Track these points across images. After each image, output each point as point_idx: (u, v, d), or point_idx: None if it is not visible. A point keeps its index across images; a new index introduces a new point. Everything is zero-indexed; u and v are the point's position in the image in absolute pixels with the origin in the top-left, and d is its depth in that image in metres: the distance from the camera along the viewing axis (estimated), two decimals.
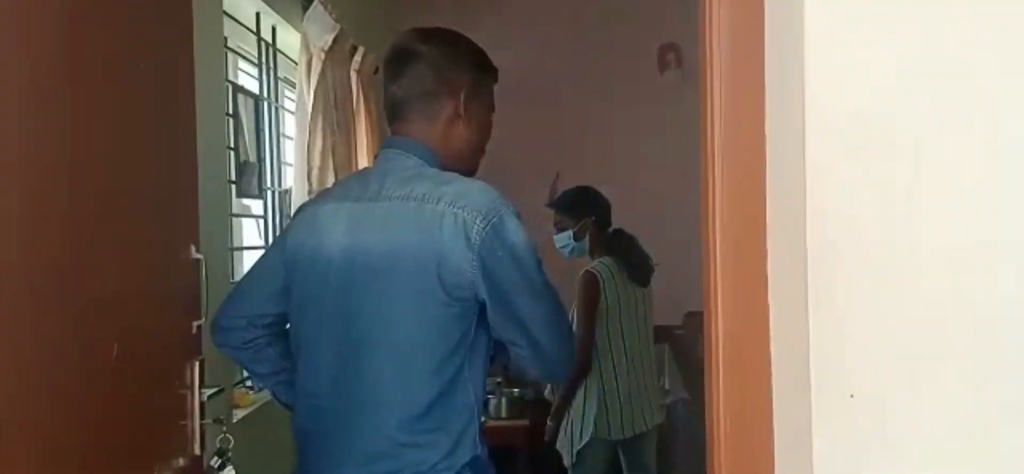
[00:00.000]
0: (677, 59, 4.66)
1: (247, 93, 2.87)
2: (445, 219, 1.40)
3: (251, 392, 2.64)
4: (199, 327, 1.82)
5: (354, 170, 3.44)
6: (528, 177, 4.13)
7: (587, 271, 2.99)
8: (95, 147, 1.40)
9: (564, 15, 4.55)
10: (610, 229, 3.10)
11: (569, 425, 2.98)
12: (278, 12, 3.05)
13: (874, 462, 0.64)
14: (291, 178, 3.16)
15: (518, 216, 1.44)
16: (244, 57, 2.94)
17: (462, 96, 1.54)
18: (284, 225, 3.08)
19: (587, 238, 3.04)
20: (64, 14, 1.29)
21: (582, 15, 4.55)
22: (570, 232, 3.02)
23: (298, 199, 3.03)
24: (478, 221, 1.39)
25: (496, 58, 1.65)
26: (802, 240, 0.67)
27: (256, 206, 2.94)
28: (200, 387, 1.76)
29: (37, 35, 1.21)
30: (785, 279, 0.71)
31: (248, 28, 2.90)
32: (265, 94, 3.02)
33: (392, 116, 1.58)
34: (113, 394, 1.46)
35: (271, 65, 3.09)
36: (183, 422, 1.73)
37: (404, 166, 1.52)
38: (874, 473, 0.65)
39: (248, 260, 2.88)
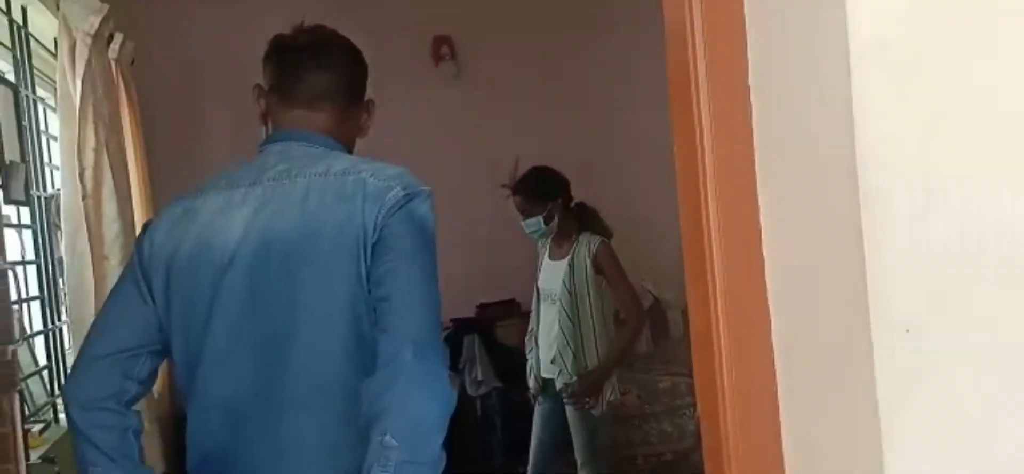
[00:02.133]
0: (451, 51, 4.72)
1: (6, 83, 2.45)
2: (367, 186, 1.35)
3: (37, 432, 2.27)
4: (14, 352, 1.55)
5: (129, 168, 3.09)
6: None
7: (602, 242, 3.05)
8: None
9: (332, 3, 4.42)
10: (573, 204, 3.15)
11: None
12: None
13: (933, 395, 0.71)
14: (58, 180, 2.75)
15: (432, 202, 1.40)
16: None
17: (366, 109, 1.56)
18: (52, 234, 2.69)
19: (555, 220, 3.07)
20: None
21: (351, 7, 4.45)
22: (540, 218, 3.03)
23: (68, 203, 2.65)
24: (396, 188, 1.35)
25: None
26: (847, 178, 0.72)
27: (22, 214, 2.52)
28: (23, 423, 1.50)
29: None
30: (832, 219, 0.76)
31: None
32: (22, 85, 2.60)
33: (298, 103, 1.48)
34: None
35: (26, 52, 2.66)
36: (6, 465, 1.46)
37: (311, 152, 1.44)
38: (933, 406, 0.72)
39: (26, 277, 2.47)
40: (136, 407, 1.44)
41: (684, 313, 4.61)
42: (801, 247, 0.83)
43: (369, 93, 1.57)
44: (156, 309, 1.41)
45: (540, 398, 3.23)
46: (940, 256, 0.71)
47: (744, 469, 0.95)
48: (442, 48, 4.70)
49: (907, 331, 0.71)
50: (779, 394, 0.91)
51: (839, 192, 0.74)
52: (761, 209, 0.91)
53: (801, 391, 0.89)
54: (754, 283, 0.92)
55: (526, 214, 3.09)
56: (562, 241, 3.16)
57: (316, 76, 1.48)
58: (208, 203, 1.41)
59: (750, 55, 0.92)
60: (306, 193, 1.36)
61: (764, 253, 0.91)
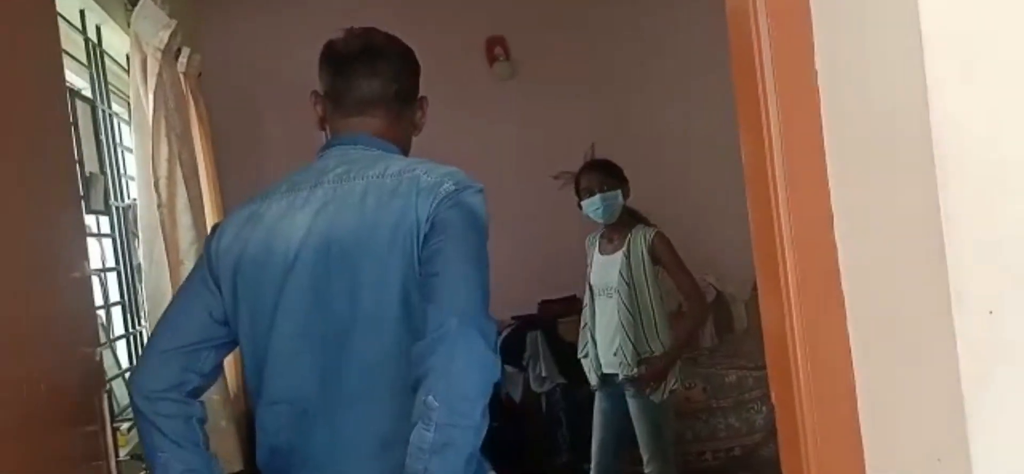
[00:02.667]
0: (505, 52, 4.74)
1: (83, 98, 2.56)
2: (420, 182, 1.38)
3: (125, 430, 2.37)
4: (101, 355, 1.62)
5: (201, 177, 3.19)
6: None
7: (657, 232, 3.08)
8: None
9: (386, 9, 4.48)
10: None
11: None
12: (104, 9, 2.74)
13: (1018, 376, 0.70)
14: (134, 191, 2.85)
15: (484, 196, 1.43)
16: (71, 58, 2.62)
17: (420, 108, 1.59)
18: (130, 242, 2.79)
19: (624, 202, 3.10)
20: None
21: (405, 10, 4.51)
22: (619, 191, 3.06)
23: (145, 212, 2.75)
24: (448, 182, 1.38)
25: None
26: (922, 159, 0.71)
27: (102, 224, 2.63)
28: (112, 421, 1.56)
29: None
30: (908, 201, 0.76)
31: (74, 26, 2.59)
32: (99, 100, 2.71)
33: (353, 110, 1.52)
34: (36, 434, 1.27)
35: (101, 69, 2.77)
36: (97, 462, 1.52)
37: (368, 155, 1.47)
38: (1019, 387, 0.71)
39: (107, 284, 2.58)
40: (203, 398, 1.50)
41: (748, 306, 4.55)
42: (876, 231, 0.82)
43: (423, 92, 1.59)
44: (223, 307, 1.46)
45: (599, 395, 3.23)
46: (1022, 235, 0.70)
47: (822, 456, 0.94)
48: (496, 49, 4.73)
49: (990, 312, 0.70)
50: (856, 379, 0.90)
51: (915, 173, 0.73)
52: (832, 194, 0.90)
53: (879, 376, 0.88)
54: (827, 270, 0.91)
55: (605, 187, 3.06)
56: (614, 235, 3.16)
57: (368, 82, 1.51)
58: (272, 207, 1.46)
59: (816, 38, 0.91)
60: (364, 194, 1.40)
61: (836, 239, 0.90)
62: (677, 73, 4.70)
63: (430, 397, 1.21)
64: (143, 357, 1.53)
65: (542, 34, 4.70)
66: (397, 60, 1.55)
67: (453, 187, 1.37)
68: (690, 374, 4.00)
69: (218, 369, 1.52)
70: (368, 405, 1.38)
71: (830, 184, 0.90)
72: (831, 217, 0.90)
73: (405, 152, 1.56)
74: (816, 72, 0.91)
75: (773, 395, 1.05)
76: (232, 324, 1.46)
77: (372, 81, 1.51)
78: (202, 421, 1.49)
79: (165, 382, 1.44)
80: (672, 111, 4.74)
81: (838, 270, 0.90)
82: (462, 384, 1.23)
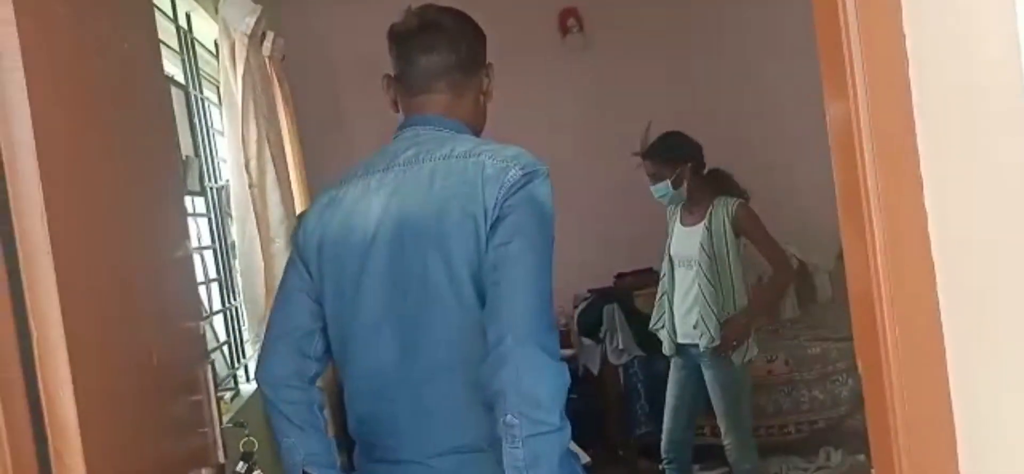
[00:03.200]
0: (578, 23, 4.72)
1: (177, 84, 2.68)
2: (486, 169, 1.40)
3: (228, 399, 2.50)
4: (203, 328, 1.72)
5: (288, 158, 3.30)
6: None
7: (740, 203, 3.05)
8: (113, 161, 1.33)
9: None
10: (706, 170, 3.16)
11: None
12: None
13: None
14: (226, 173, 2.98)
15: (550, 184, 1.43)
16: (165, 46, 2.74)
17: (484, 77, 1.58)
18: (224, 222, 2.92)
19: (685, 185, 3.07)
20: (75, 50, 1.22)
21: None
22: (668, 182, 3.05)
23: (237, 192, 2.87)
24: (514, 169, 1.39)
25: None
26: (1017, 122, 0.70)
27: (198, 205, 2.76)
28: (215, 391, 1.66)
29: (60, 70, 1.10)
30: (1002, 165, 0.75)
31: (166, 15, 2.71)
32: (191, 86, 2.83)
33: (418, 88, 1.55)
34: (148, 403, 1.36)
35: (192, 55, 2.89)
36: (203, 429, 1.62)
37: (437, 136, 1.51)
38: None
39: (204, 262, 2.71)
40: (318, 384, 1.58)
41: (832, 275, 4.45)
42: (968, 196, 0.81)
43: (494, 63, 1.58)
44: (317, 291, 1.54)
45: (674, 364, 3.23)
46: None
47: (911, 425, 0.93)
48: (569, 20, 4.71)
49: None
50: (946, 346, 0.90)
51: (1008, 136, 0.72)
52: (922, 160, 0.89)
53: (971, 342, 0.87)
54: (917, 236, 0.90)
55: (655, 178, 3.08)
56: (695, 206, 3.13)
57: (426, 59, 1.53)
58: (349, 191, 1.51)
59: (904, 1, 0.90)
60: (432, 176, 1.43)
61: (926, 204, 0.89)
62: (755, 41, 4.61)
63: (508, 416, 1.27)
64: (263, 348, 1.62)
65: (616, 5, 4.66)
66: (453, 30, 1.54)
67: (520, 174, 1.38)
68: (772, 346, 3.95)
69: (329, 352, 1.58)
70: (445, 377, 1.43)
71: (919, 148, 0.89)
72: (921, 182, 0.89)
73: (476, 124, 1.57)
74: (904, 33, 0.90)
75: (860, 363, 1.04)
76: (321, 303, 1.53)
77: (430, 56, 1.53)
78: (322, 407, 1.58)
79: (285, 370, 1.54)
80: (750, 80, 4.66)
81: (928, 236, 0.89)
82: (534, 397, 1.27)
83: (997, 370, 0.84)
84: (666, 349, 3.24)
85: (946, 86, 0.87)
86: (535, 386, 1.27)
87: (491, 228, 1.36)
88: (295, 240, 1.60)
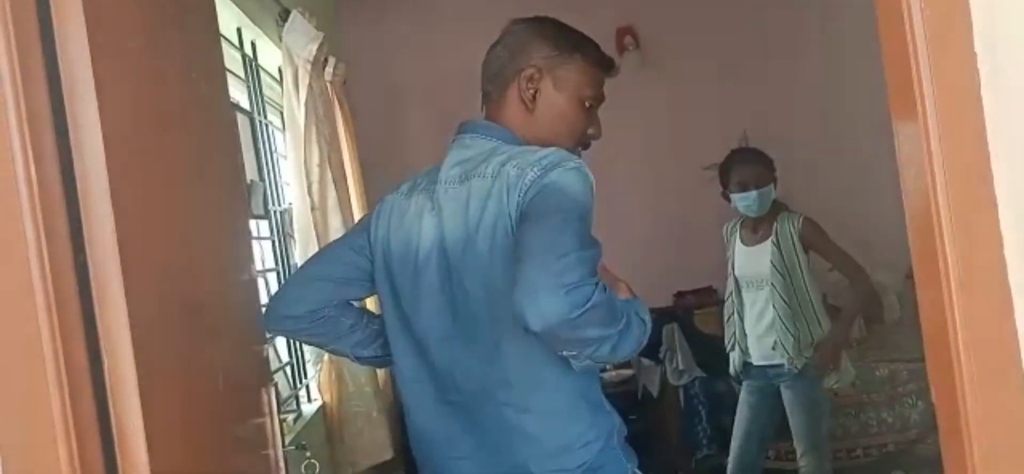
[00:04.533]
0: (635, 41, 4.70)
1: (242, 110, 2.76)
2: (508, 178, 1.36)
3: (292, 421, 2.54)
4: (267, 351, 1.75)
5: (347, 180, 3.36)
6: None
7: (804, 217, 3.01)
8: (181, 186, 1.37)
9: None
10: None
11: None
12: (258, 25, 2.94)
13: None
14: (289, 196, 3.05)
15: (581, 173, 1.33)
16: (230, 73, 2.82)
17: (523, 78, 1.47)
18: (287, 244, 2.98)
19: (771, 196, 3.03)
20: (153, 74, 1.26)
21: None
22: (757, 191, 2.97)
23: (299, 216, 2.93)
24: (532, 170, 1.34)
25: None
26: None
27: (262, 228, 2.83)
28: (278, 413, 1.68)
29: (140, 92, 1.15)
30: None
31: (231, 43, 2.79)
32: (256, 112, 2.91)
33: (483, 94, 1.56)
34: (215, 426, 1.39)
35: (257, 81, 2.97)
36: (266, 451, 1.65)
37: (479, 148, 1.47)
38: None
39: (268, 285, 2.76)
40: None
41: (901, 296, 4.31)
42: None
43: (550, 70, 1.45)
44: (370, 265, 1.58)
45: (747, 387, 3.15)
46: None
47: (987, 455, 0.90)
48: (626, 38, 4.70)
49: None
50: None
51: None
52: (996, 181, 0.86)
53: None
54: (992, 261, 0.87)
55: (747, 186, 2.99)
56: (758, 225, 3.07)
57: (489, 63, 1.53)
58: (410, 204, 1.53)
59: (974, 18, 0.87)
60: (468, 197, 1.42)
61: (1002, 227, 0.86)
62: (817, 54, 4.52)
63: (562, 355, 1.29)
64: (286, 285, 1.74)
65: (672, 23, 4.63)
66: (521, 33, 1.50)
67: (537, 173, 1.32)
68: None
69: (350, 308, 1.66)
70: (498, 394, 1.43)
71: (993, 168, 0.86)
72: (995, 203, 0.86)
73: (524, 133, 1.47)
74: (975, 51, 0.87)
75: (933, 390, 1.00)
76: (380, 300, 1.59)
77: (488, 62, 1.53)
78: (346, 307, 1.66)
79: (306, 306, 1.61)
80: (809, 99, 4.57)
81: (1004, 261, 0.85)
82: (557, 328, 1.18)
83: None
84: (734, 370, 3.17)
85: (1020, 103, 0.84)
86: (554, 316, 1.17)
87: (516, 232, 1.33)
88: (368, 221, 1.62)
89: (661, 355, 4.19)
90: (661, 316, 4.36)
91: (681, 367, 4.11)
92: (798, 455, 3.04)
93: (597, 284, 1.21)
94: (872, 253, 4.33)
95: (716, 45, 4.61)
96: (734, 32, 4.59)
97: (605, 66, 1.53)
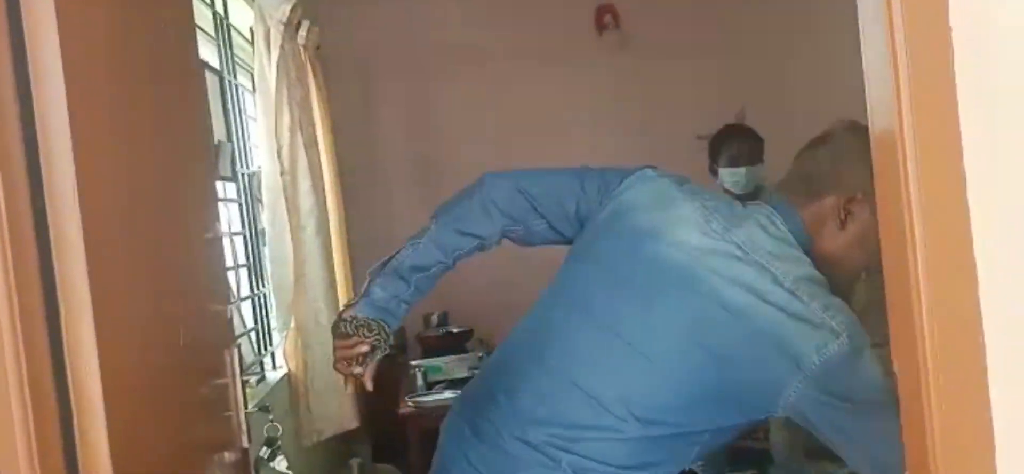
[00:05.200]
0: (615, 20, 4.68)
1: (212, 69, 2.70)
2: (797, 311, 1.33)
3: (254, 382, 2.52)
4: (231, 311, 1.72)
5: (319, 146, 3.31)
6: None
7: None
8: (145, 141, 1.33)
9: None
10: None
11: None
12: None
13: None
14: (258, 160, 3.00)
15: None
16: (200, 31, 2.76)
17: (851, 204, 1.40)
18: (254, 208, 2.94)
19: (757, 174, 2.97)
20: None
21: None
22: (746, 168, 2.93)
23: (268, 179, 2.89)
24: (839, 338, 1.33)
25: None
26: None
27: (229, 190, 2.78)
28: (241, 375, 1.66)
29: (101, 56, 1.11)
30: None
31: (202, 0, 2.73)
32: (225, 72, 2.85)
33: (792, 180, 1.50)
34: (175, 383, 1.36)
35: (228, 40, 2.92)
36: (228, 413, 1.63)
37: (771, 234, 1.40)
38: None
39: (234, 248, 2.72)
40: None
41: (867, 282, 4.38)
42: (1013, 200, 0.78)
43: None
44: (574, 221, 1.53)
45: None
46: None
47: (948, 431, 0.90)
48: (606, 17, 4.67)
49: None
50: (987, 351, 0.87)
51: None
52: (966, 159, 0.86)
53: (1014, 352, 0.84)
54: (959, 239, 0.87)
55: (752, 160, 2.94)
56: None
57: (803, 160, 1.48)
58: (686, 209, 1.45)
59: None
60: (743, 274, 1.37)
61: (970, 205, 0.86)
62: (796, 38, 4.54)
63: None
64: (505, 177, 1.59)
65: (653, 3, 4.62)
66: (834, 143, 1.45)
67: (847, 348, 1.33)
68: None
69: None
70: (572, 414, 1.44)
71: (965, 149, 0.86)
72: (965, 181, 0.86)
73: (821, 239, 1.42)
74: (950, 27, 0.87)
75: (896, 365, 1.01)
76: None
77: (809, 159, 1.47)
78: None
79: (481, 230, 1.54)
80: (790, 81, 4.59)
81: (970, 238, 0.86)
82: None
83: None
84: None
85: (993, 86, 0.84)
86: None
87: None
88: (612, 178, 1.55)
89: None
90: None
91: None
92: (772, 436, 3.05)
93: None
94: None
95: (697, 25, 4.61)
96: (716, 12, 4.59)
97: None
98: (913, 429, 0.98)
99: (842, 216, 1.41)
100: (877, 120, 1.02)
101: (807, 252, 1.41)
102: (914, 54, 0.90)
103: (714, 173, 3.04)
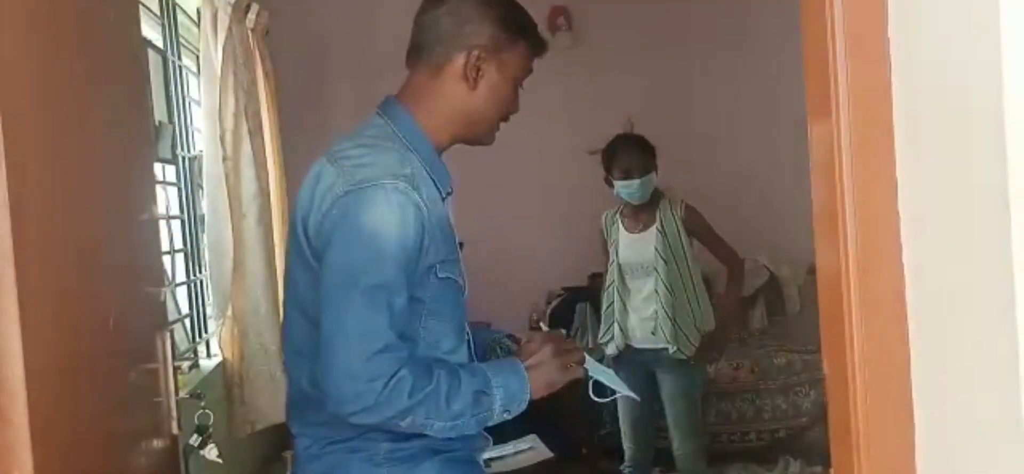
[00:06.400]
0: (568, 22, 4.71)
1: (154, 48, 2.63)
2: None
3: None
4: (165, 295, 1.68)
5: (264, 134, 3.26)
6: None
7: (684, 203, 3.03)
8: (76, 115, 1.28)
9: None
10: None
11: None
12: None
13: None
14: (200, 143, 2.93)
15: (400, 192, 1.28)
16: (144, 8, 2.69)
17: (474, 54, 1.40)
18: (194, 193, 2.87)
19: (652, 184, 3.01)
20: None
21: None
22: (640, 180, 2.94)
23: (210, 164, 2.82)
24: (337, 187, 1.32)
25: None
26: (994, 132, 0.70)
27: (169, 173, 2.71)
28: (173, 360, 1.62)
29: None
30: (976, 177, 0.74)
31: None
32: (169, 52, 2.78)
33: (406, 60, 1.48)
34: (102, 367, 1.33)
35: (172, 21, 2.84)
36: (157, 399, 1.59)
37: (364, 132, 1.41)
38: None
39: (171, 231, 2.65)
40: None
41: (801, 289, 4.48)
42: (941, 211, 0.81)
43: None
44: None
45: (625, 372, 3.10)
46: None
47: (872, 431, 0.93)
48: (558, 19, 4.70)
49: None
50: (912, 364, 0.90)
51: (985, 152, 0.72)
52: (899, 169, 0.89)
53: (936, 362, 0.87)
54: (888, 242, 0.90)
55: (631, 174, 2.96)
56: (640, 212, 3.06)
57: (425, 25, 1.43)
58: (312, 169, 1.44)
59: (890, 5, 0.90)
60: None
61: (900, 209, 0.89)
62: (743, 44, 4.63)
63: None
64: None
65: (605, 5, 4.66)
66: (470, 6, 1.41)
67: (341, 191, 1.29)
68: (739, 355, 3.97)
69: None
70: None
71: (899, 161, 0.89)
72: (896, 188, 0.89)
73: (444, 117, 1.43)
74: (888, 39, 0.89)
75: (826, 366, 1.04)
76: None
77: (431, 24, 1.43)
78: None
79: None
80: (732, 87, 4.68)
81: (900, 244, 0.89)
82: (357, 415, 1.25)
83: (957, 376, 0.83)
84: (612, 350, 3.16)
85: (927, 98, 0.87)
86: (349, 406, 1.25)
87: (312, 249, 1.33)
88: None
89: (573, 332, 4.24)
90: (575, 295, 4.41)
91: (590, 345, 4.17)
92: (675, 445, 3.06)
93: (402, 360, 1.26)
94: (776, 248, 4.49)
95: (648, 29, 4.67)
96: (668, 17, 4.65)
97: (543, 50, 1.51)
98: (839, 427, 1.01)
99: (471, 76, 1.41)
100: (816, 131, 1.05)
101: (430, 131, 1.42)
102: (855, 66, 0.92)
103: (610, 185, 3.06)
